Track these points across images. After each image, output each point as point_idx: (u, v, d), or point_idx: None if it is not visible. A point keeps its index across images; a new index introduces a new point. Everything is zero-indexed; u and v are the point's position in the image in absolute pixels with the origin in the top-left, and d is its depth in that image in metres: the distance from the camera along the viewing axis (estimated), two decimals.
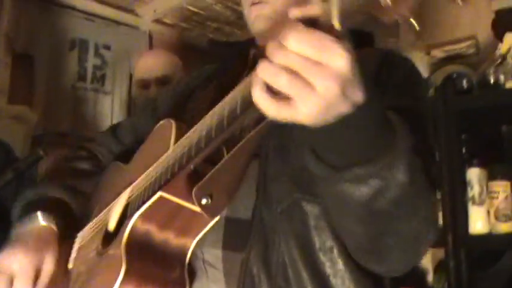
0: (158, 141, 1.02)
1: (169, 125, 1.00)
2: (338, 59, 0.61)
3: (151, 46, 3.09)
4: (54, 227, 1.05)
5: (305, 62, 0.61)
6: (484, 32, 2.29)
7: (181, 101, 1.17)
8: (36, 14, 2.72)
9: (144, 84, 1.83)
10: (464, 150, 2.00)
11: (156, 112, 1.21)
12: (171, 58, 1.93)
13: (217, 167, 0.88)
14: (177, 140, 0.95)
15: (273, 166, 0.92)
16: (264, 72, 0.63)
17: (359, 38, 1.11)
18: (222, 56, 1.20)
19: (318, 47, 0.61)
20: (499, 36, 1.97)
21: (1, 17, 2.63)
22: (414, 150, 0.73)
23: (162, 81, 1.78)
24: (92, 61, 2.82)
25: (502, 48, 1.90)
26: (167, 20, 3.09)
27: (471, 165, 1.94)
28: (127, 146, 1.22)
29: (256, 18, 1.06)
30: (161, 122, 1.04)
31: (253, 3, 1.06)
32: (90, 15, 2.90)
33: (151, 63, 1.82)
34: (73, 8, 2.84)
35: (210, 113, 0.85)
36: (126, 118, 1.35)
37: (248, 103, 0.72)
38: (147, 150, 1.08)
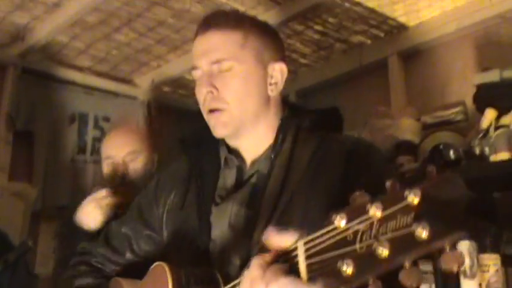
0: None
1: (164, 271, 1.02)
2: None
3: (149, 114, 3.18)
4: None
5: None
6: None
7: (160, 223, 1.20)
8: (37, 91, 2.83)
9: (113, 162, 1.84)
10: None
11: (143, 215, 1.24)
12: (139, 135, 1.96)
13: None
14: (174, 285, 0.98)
15: None
16: None
17: (326, 120, 1.17)
18: (192, 155, 1.21)
19: None
20: (480, 110, 2.01)
21: (2, 96, 2.75)
22: None
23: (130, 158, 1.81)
24: (91, 133, 2.91)
25: (483, 123, 1.94)
26: (165, 88, 3.19)
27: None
28: (124, 257, 1.24)
29: (215, 125, 1.11)
30: (155, 265, 1.07)
31: (210, 111, 1.11)
32: (89, 89, 3.00)
33: (119, 142, 1.86)
34: (72, 83, 2.95)
35: None
36: (113, 223, 1.36)
37: None
38: None
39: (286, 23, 2.55)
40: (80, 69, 2.98)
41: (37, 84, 2.84)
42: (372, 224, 0.62)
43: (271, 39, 1.16)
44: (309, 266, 0.71)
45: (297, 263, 0.73)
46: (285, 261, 0.76)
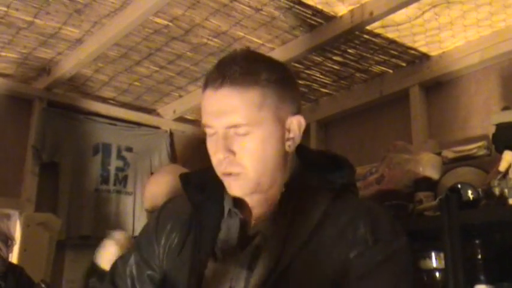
0: None
1: None
2: None
3: (172, 144, 3.22)
4: None
5: None
6: None
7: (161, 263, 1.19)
8: (62, 123, 2.92)
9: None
10: (469, 265, 1.95)
11: (144, 255, 1.21)
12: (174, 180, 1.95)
13: None
14: None
15: None
16: None
17: (336, 176, 1.09)
18: (195, 199, 1.15)
19: None
20: (499, 151, 1.94)
21: (29, 129, 2.84)
22: None
23: None
24: (114, 164, 2.97)
25: (501, 166, 1.87)
26: (188, 117, 3.22)
27: (478, 281, 1.89)
28: None
29: (231, 187, 1.06)
30: None
31: (224, 174, 1.06)
32: (113, 120, 3.07)
33: (157, 192, 1.86)
34: (96, 114, 3.03)
35: None
36: (119, 262, 1.35)
37: None
38: None
39: (305, 55, 2.54)
40: (104, 100, 3.06)
41: (62, 117, 2.93)
42: None
43: (288, 90, 1.08)
44: None
45: None
46: None
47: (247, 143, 1.02)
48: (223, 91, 1.03)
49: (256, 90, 1.03)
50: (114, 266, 1.31)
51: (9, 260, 1.92)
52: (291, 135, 1.07)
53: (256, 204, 1.09)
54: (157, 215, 1.24)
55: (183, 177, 1.17)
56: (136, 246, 1.26)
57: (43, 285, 1.54)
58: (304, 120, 1.09)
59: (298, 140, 1.08)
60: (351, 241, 1.00)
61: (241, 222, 1.09)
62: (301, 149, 1.13)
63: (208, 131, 1.06)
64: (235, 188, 1.05)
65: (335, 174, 1.10)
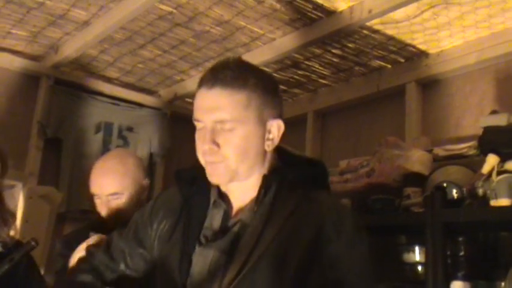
0: None
1: None
2: None
3: (171, 126, 3.30)
4: None
5: None
6: None
7: (152, 244, 1.30)
8: (67, 101, 3.00)
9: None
10: (449, 262, 2.03)
11: (138, 234, 1.34)
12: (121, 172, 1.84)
13: None
14: None
15: None
16: None
17: (310, 174, 1.24)
18: (185, 191, 1.28)
19: None
20: (484, 153, 1.99)
21: (36, 105, 2.92)
22: None
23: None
24: (115, 142, 3.05)
25: (484, 168, 1.93)
26: (188, 100, 3.29)
27: (455, 278, 1.96)
28: (118, 266, 1.35)
29: (211, 174, 1.19)
30: None
31: (207, 162, 1.19)
32: (116, 100, 3.14)
33: (105, 182, 1.82)
34: (100, 94, 3.10)
35: None
36: (115, 235, 1.47)
37: None
38: None
39: (305, 47, 2.59)
40: (108, 80, 3.13)
41: (67, 94, 3.01)
42: None
43: (272, 96, 1.22)
44: None
45: None
46: None
47: (231, 137, 1.17)
48: (215, 91, 1.16)
49: (243, 93, 1.17)
50: (110, 238, 1.44)
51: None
52: (271, 136, 1.22)
53: (237, 195, 1.23)
54: (153, 201, 1.38)
55: (176, 173, 1.33)
56: (133, 224, 1.39)
57: (33, 243, 1.64)
58: (283, 125, 1.23)
59: (276, 141, 1.23)
60: (318, 229, 1.15)
61: (224, 212, 1.22)
62: (282, 151, 1.29)
63: (198, 124, 1.21)
64: (215, 174, 1.20)
65: (308, 171, 1.26)
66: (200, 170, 1.22)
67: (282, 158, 1.27)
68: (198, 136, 1.20)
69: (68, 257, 1.58)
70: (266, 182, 1.20)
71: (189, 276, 1.17)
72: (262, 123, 1.19)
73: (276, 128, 1.21)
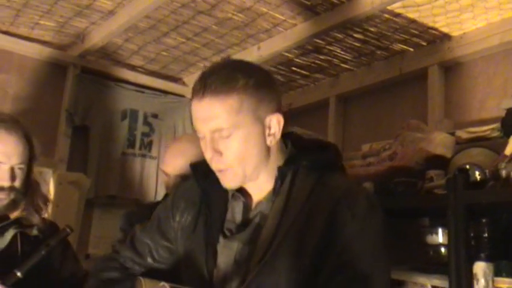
0: None
1: (140, 285, 1.20)
2: None
3: None
4: None
5: None
6: None
7: (176, 236, 1.34)
8: (93, 89, 3.08)
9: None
10: (473, 243, 2.04)
11: (161, 227, 1.38)
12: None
13: None
14: None
15: None
16: None
17: (324, 158, 1.26)
18: (202, 183, 1.30)
19: None
20: (507, 135, 1.99)
21: (63, 95, 3.01)
22: None
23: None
24: (141, 129, 3.12)
25: (507, 150, 1.93)
26: None
27: (478, 258, 1.98)
28: (146, 261, 1.39)
29: (223, 181, 1.22)
30: (137, 279, 1.24)
31: (216, 170, 1.22)
32: (141, 87, 3.21)
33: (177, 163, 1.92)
34: (126, 81, 3.17)
35: None
36: (137, 230, 1.51)
37: None
38: None
39: (327, 32, 2.60)
40: (133, 68, 3.19)
41: (94, 83, 3.09)
42: None
43: (265, 92, 1.20)
44: None
45: None
46: None
47: (230, 144, 1.18)
48: (206, 100, 1.16)
49: (234, 97, 1.16)
50: (133, 233, 1.48)
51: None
52: (272, 131, 1.22)
53: (253, 191, 1.26)
54: (173, 194, 1.42)
55: (192, 165, 1.34)
56: (156, 218, 1.42)
57: (68, 230, 1.71)
58: (283, 118, 1.22)
59: (278, 135, 1.23)
60: (332, 214, 1.15)
61: (244, 204, 1.26)
62: (295, 138, 1.31)
63: (198, 134, 1.22)
64: (226, 182, 1.23)
65: (321, 155, 1.26)
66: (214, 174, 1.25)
67: (294, 143, 1.28)
68: (201, 145, 1.22)
69: (127, 231, 1.67)
70: (281, 173, 1.22)
71: (215, 267, 1.21)
72: (260, 121, 1.19)
73: (276, 122, 1.21)
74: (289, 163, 1.24)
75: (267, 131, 1.21)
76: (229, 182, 1.21)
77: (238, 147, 1.17)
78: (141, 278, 1.23)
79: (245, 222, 1.24)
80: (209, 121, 1.16)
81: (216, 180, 1.26)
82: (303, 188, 1.20)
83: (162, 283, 1.14)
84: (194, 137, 2.24)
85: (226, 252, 1.22)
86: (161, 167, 1.98)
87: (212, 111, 1.16)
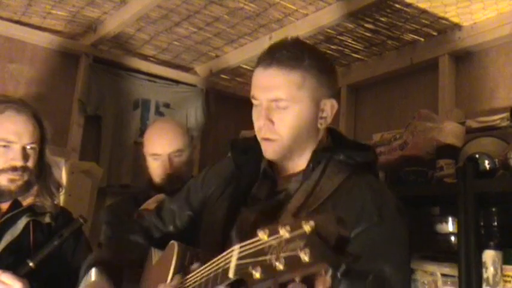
0: (164, 263, 1.26)
1: (173, 248, 1.23)
2: None
3: (207, 101, 3.38)
4: (105, 282, 1.32)
5: None
6: None
7: (201, 208, 1.40)
8: (106, 79, 3.10)
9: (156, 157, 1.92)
10: (483, 232, 2.06)
11: (190, 198, 1.45)
12: (181, 132, 1.99)
13: None
14: (176, 265, 1.18)
15: None
16: None
17: (360, 156, 1.28)
18: (238, 159, 1.37)
19: None
20: None
21: (76, 84, 3.03)
22: None
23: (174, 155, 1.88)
24: (152, 118, 3.14)
25: None
26: (223, 76, 3.35)
27: (488, 247, 2.00)
28: (167, 228, 1.46)
29: (267, 150, 1.26)
30: (171, 242, 1.27)
31: (263, 139, 1.25)
32: (153, 77, 3.23)
33: (167, 141, 1.92)
34: (138, 71, 3.19)
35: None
36: (166, 199, 1.55)
37: None
38: (158, 266, 1.32)
39: (338, 22, 2.61)
40: (145, 57, 3.21)
41: (106, 72, 3.11)
42: (280, 242, 0.75)
43: (326, 77, 1.25)
44: (237, 265, 0.86)
45: (229, 261, 0.89)
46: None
47: (285, 116, 1.22)
48: (271, 70, 1.23)
49: (298, 73, 1.22)
50: (162, 202, 1.56)
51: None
52: (324, 114, 1.26)
53: (287, 167, 1.30)
54: (206, 170, 1.49)
55: (232, 142, 1.41)
56: (186, 189, 1.50)
57: (81, 220, 1.74)
58: (337, 104, 1.27)
59: (329, 120, 1.28)
60: (359, 213, 1.15)
61: (271, 181, 1.30)
62: (335, 133, 1.35)
63: (254, 101, 1.27)
64: (270, 151, 1.26)
65: (358, 154, 1.29)
66: (254, 141, 1.30)
67: (333, 140, 1.32)
68: (254, 113, 1.27)
69: (112, 224, 1.69)
70: (315, 157, 1.25)
71: (232, 232, 1.25)
72: (316, 102, 1.23)
73: (330, 107, 1.26)
74: (325, 150, 1.27)
75: (320, 114, 1.25)
76: (271, 151, 1.25)
77: (291, 120, 1.22)
78: (175, 242, 1.27)
79: (270, 199, 1.27)
80: (270, 90, 1.21)
81: (252, 157, 1.33)
82: (333, 179, 1.23)
83: (194, 249, 1.18)
84: (168, 118, 2.28)
85: (245, 220, 1.25)
86: (148, 151, 1.98)
87: (275, 81, 1.21)
